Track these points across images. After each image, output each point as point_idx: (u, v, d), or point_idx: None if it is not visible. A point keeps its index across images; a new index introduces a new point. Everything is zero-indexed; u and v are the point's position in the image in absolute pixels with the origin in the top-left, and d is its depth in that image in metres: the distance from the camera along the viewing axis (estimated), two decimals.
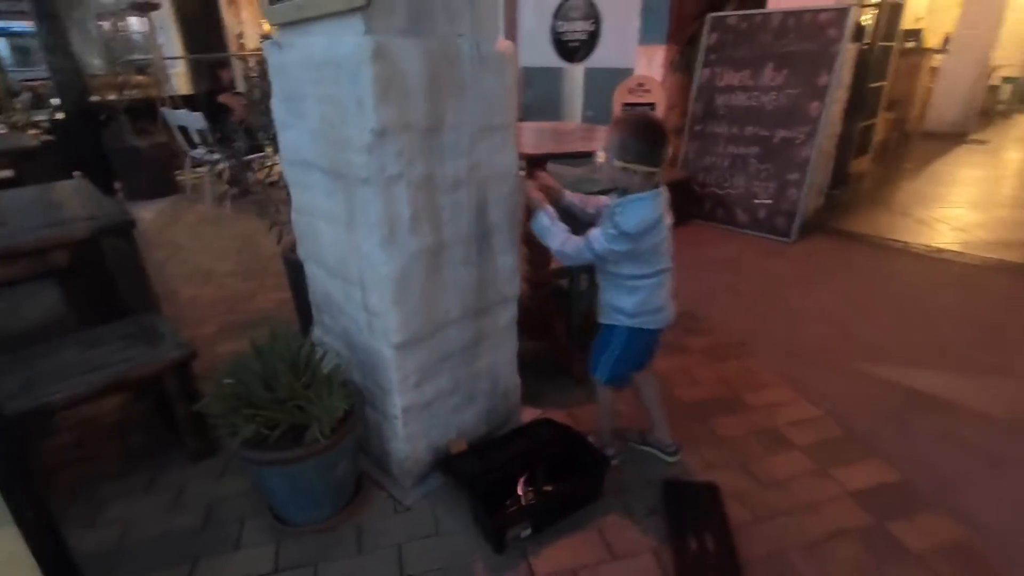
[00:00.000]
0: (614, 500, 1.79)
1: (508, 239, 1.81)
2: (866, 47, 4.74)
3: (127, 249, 2.04)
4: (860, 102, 4.71)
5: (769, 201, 4.17)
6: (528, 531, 1.62)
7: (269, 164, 3.94)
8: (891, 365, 2.55)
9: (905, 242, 4.01)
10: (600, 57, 5.16)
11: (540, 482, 1.73)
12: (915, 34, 9.32)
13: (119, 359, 1.82)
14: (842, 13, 3.73)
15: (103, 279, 2.07)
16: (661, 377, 2.46)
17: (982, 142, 7.55)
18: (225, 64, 6.01)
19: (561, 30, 5.30)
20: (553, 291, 2.50)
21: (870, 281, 3.49)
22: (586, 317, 2.22)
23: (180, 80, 8.00)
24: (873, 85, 5.12)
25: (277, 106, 1.72)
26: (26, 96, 6.81)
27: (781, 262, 3.82)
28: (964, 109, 8.02)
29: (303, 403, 1.53)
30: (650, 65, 4.59)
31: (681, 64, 4.68)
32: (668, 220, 1.63)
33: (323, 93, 1.49)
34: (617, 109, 4.25)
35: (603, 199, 1.77)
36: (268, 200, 2.77)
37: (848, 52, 3.89)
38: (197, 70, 7.69)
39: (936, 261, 3.75)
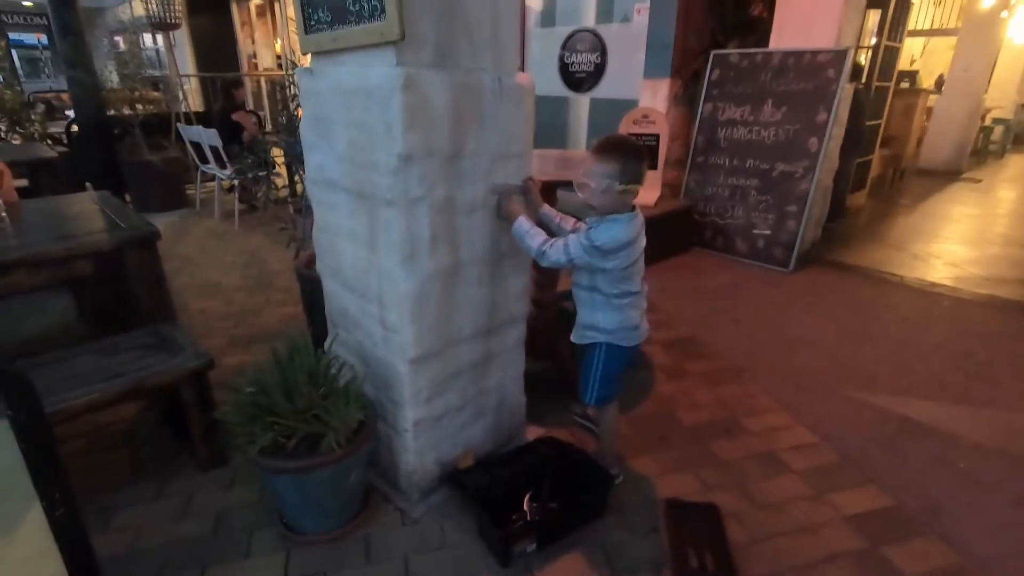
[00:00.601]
0: (616, 518, 1.83)
1: (519, 261, 1.88)
2: (863, 87, 4.90)
3: (149, 260, 2.10)
4: (857, 139, 4.84)
5: (768, 232, 4.27)
6: (533, 546, 1.66)
7: (280, 184, 4.03)
8: (885, 394, 2.61)
9: (900, 276, 4.09)
10: (606, 88, 5.31)
11: (545, 498, 1.78)
12: (911, 75, 9.62)
13: (138, 367, 1.87)
14: (841, 55, 3.88)
15: (123, 289, 2.13)
16: (662, 400, 2.54)
17: (976, 180, 7.71)
18: (239, 83, 6.17)
19: (568, 61, 5.47)
20: (559, 312, 2.56)
21: (866, 312, 3.56)
22: None
23: (192, 97, 8.18)
24: (870, 123, 5.27)
25: (306, 128, 1.81)
26: (41, 107, 6.96)
27: (779, 291, 3.90)
28: (957, 148, 8.22)
29: (320, 413, 1.58)
30: (655, 98, 4.73)
31: (684, 98, 4.82)
32: (642, 242, 1.68)
33: (352, 118, 1.57)
34: None
35: (580, 223, 1.81)
36: (287, 217, 2.85)
37: (846, 91, 4.03)
38: (210, 88, 7.86)
39: (930, 295, 3.83)
